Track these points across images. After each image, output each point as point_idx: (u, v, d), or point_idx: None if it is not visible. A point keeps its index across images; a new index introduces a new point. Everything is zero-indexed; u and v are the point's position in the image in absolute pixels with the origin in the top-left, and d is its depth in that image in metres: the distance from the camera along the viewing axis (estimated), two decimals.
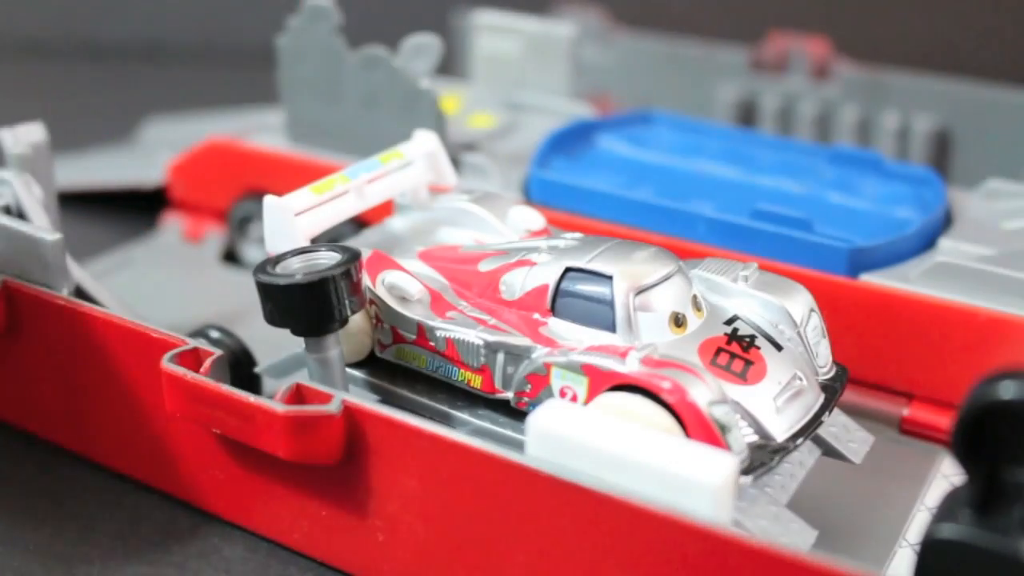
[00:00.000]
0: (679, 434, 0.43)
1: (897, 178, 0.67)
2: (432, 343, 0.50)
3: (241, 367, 0.57)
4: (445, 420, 0.50)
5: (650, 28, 1.07)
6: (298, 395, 0.47)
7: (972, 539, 0.36)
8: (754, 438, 0.44)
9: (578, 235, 0.52)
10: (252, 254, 0.77)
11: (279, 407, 0.46)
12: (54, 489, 0.57)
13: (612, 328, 0.47)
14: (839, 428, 0.50)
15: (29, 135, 0.59)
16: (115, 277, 0.75)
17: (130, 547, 0.53)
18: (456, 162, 0.67)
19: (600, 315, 0.47)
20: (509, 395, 0.48)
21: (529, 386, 0.47)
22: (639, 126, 0.75)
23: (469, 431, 0.48)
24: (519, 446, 0.45)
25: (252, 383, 0.56)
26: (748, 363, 0.46)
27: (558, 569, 0.44)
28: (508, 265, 0.50)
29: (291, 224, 0.52)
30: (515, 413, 0.48)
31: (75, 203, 0.85)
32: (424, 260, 0.53)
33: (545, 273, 0.49)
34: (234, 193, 0.77)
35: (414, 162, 0.59)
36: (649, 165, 0.70)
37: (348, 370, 0.52)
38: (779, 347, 0.47)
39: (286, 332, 0.49)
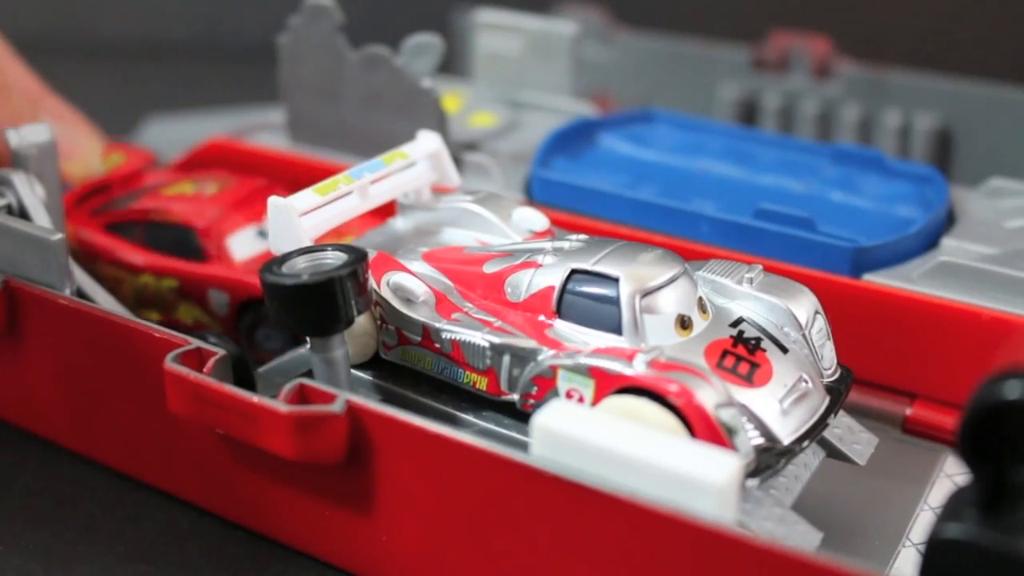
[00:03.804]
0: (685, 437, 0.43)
1: (899, 176, 0.67)
2: (437, 345, 0.50)
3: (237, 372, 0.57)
4: (450, 422, 0.50)
5: (651, 27, 1.07)
6: (301, 395, 0.47)
7: (978, 539, 0.36)
8: (760, 441, 0.44)
9: (583, 236, 0.52)
10: None
11: (282, 407, 0.46)
12: (54, 489, 0.57)
13: (618, 330, 0.47)
14: (843, 430, 0.50)
15: (34, 135, 0.59)
16: None
17: (131, 546, 0.53)
18: (458, 161, 0.67)
19: (606, 317, 0.47)
20: (515, 397, 0.48)
21: (535, 388, 0.47)
22: (641, 125, 0.75)
23: (474, 432, 0.48)
24: (524, 448, 0.45)
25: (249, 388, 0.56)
26: (754, 366, 0.46)
27: (563, 569, 0.43)
28: (513, 267, 0.50)
29: (295, 224, 0.52)
30: (520, 415, 0.48)
31: None
32: (428, 261, 0.53)
33: (551, 275, 0.49)
34: None
35: (418, 162, 0.59)
36: (651, 164, 0.70)
37: (353, 371, 0.51)
38: (785, 349, 0.47)
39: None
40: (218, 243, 0.63)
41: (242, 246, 0.64)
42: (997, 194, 0.65)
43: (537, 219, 0.56)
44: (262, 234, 0.65)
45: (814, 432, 0.46)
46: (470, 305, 0.51)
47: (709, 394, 0.43)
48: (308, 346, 0.49)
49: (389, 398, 0.52)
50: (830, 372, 0.49)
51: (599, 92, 0.97)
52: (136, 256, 0.65)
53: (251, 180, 0.69)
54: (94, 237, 0.66)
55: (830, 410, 0.47)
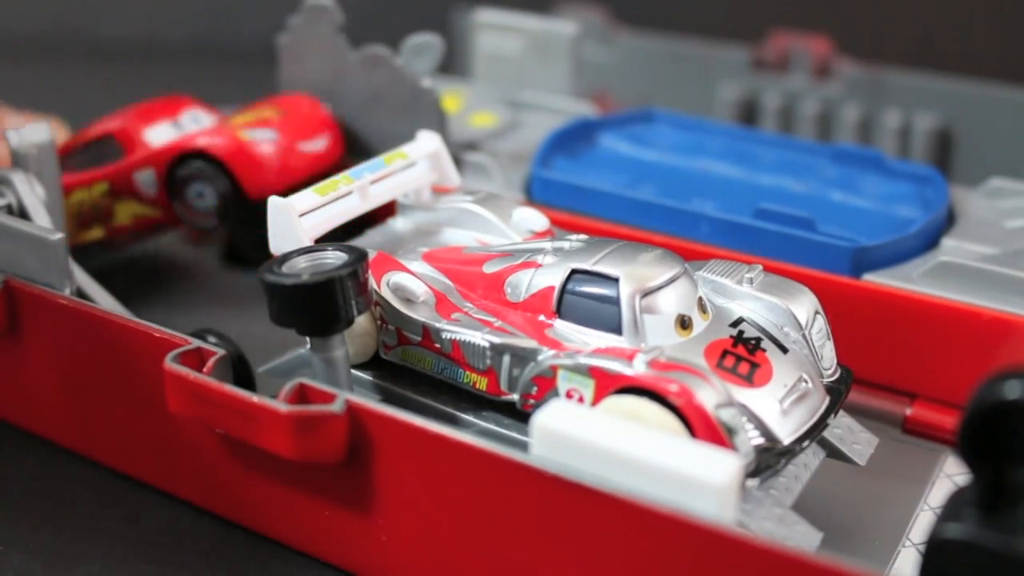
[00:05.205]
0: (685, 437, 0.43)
1: (899, 176, 0.67)
2: (438, 345, 0.50)
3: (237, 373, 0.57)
4: (450, 422, 0.50)
5: (651, 27, 1.07)
6: (301, 395, 0.47)
7: (978, 539, 0.36)
8: (760, 441, 0.44)
9: (583, 236, 0.52)
10: None
11: (282, 406, 0.46)
12: (54, 489, 0.57)
13: (618, 330, 0.47)
14: (844, 430, 0.50)
15: (34, 135, 0.59)
16: (115, 277, 0.74)
17: (131, 546, 0.53)
18: (458, 161, 0.67)
19: (606, 317, 0.47)
20: (515, 397, 0.48)
21: (535, 388, 0.47)
22: (641, 125, 0.75)
23: (474, 432, 0.48)
24: (524, 448, 0.45)
25: (249, 388, 0.56)
26: (754, 366, 0.46)
27: (562, 569, 0.43)
28: (513, 267, 0.50)
29: (295, 225, 0.52)
30: (520, 415, 0.48)
31: None
32: (428, 261, 0.53)
33: (551, 275, 0.49)
34: None
35: (418, 163, 0.59)
36: (651, 164, 0.70)
37: (353, 371, 0.52)
38: (785, 349, 0.47)
39: (285, 335, 0.49)
40: (134, 138, 0.66)
41: (159, 136, 0.66)
42: (997, 194, 0.65)
43: (537, 219, 0.56)
44: (177, 126, 0.67)
45: (814, 432, 0.46)
46: (470, 305, 0.51)
47: (709, 394, 0.43)
48: (308, 346, 0.49)
49: (389, 398, 0.52)
50: (830, 372, 0.49)
51: (599, 92, 0.98)
52: (67, 178, 0.67)
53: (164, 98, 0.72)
54: None
55: (830, 410, 0.47)
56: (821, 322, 0.49)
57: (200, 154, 0.63)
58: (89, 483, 0.57)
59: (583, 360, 0.46)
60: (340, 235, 0.55)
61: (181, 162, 0.64)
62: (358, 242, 0.56)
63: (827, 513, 0.48)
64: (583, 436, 0.41)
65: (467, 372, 0.49)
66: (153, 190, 0.65)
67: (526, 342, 0.47)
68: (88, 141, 0.68)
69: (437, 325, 0.50)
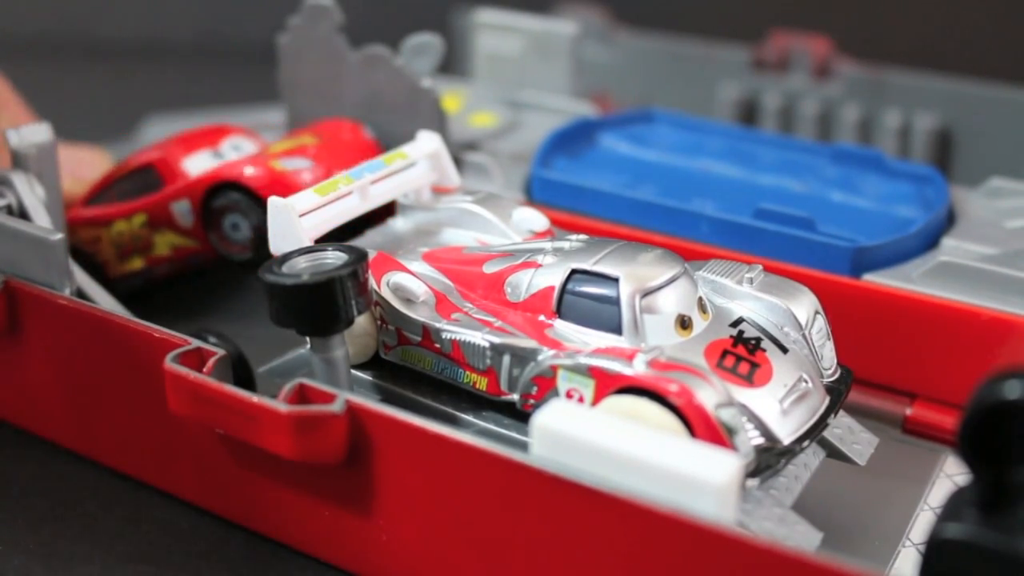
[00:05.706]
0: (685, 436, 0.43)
1: (899, 176, 0.67)
2: (438, 345, 0.50)
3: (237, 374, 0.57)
4: (450, 422, 0.50)
5: (651, 27, 1.07)
6: (301, 395, 0.47)
7: (978, 539, 0.36)
8: (760, 441, 0.44)
9: (583, 237, 0.52)
10: None
11: (282, 407, 0.46)
12: (54, 489, 0.57)
13: (618, 330, 0.47)
14: (844, 430, 0.50)
15: (34, 135, 0.59)
16: None
17: (131, 546, 0.53)
18: (458, 161, 0.67)
19: (606, 317, 0.47)
20: (515, 397, 0.48)
21: (535, 388, 0.47)
22: (641, 125, 0.75)
23: (473, 432, 0.48)
24: (524, 448, 0.45)
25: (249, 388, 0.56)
26: (754, 366, 0.46)
27: (562, 569, 0.43)
28: (513, 267, 0.50)
29: (295, 225, 0.52)
30: (520, 415, 0.48)
31: None
32: (428, 261, 0.53)
33: (551, 275, 0.49)
34: None
35: (418, 163, 0.59)
36: (651, 164, 0.70)
37: (353, 371, 0.52)
38: (785, 349, 0.47)
39: (285, 336, 0.49)
40: (173, 167, 0.65)
41: (198, 165, 0.65)
42: (997, 194, 0.65)
43: (537, 219, 0.56)
44: (217, 155, 0.67)
45: (814, 432, 0.46)
46: (470, 305, 0.51)
47: (709, 394, 0.43)
48: (308, 346, 0.49)
49: (389, 398, 0.52)
50: (830, 372, 0.49)
51: (599, 92, 0.97)
52: (108, 208, 0.67)
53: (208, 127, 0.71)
54: (70, 213, 0.68)
55: (830, 410, 0.47)
56: (821, 322, 0.49)
57: (234, 184, 0.62)
58: (89, 483, 0.57)
59: (583, 360, 0.46)
60: (340, 235, 0.56)
61: (216, 193, 0.63)
62: (358, 242, 0.56)
63: (827, 513, 0.48)
64: (583, 436, 0.41)
65: (467, 372, 0.49)
66: (189, 221, 0.64)
67: (526, 342, 0.47)
68: (129, 171, 0.67)
69: (437, 325, 0.50)
